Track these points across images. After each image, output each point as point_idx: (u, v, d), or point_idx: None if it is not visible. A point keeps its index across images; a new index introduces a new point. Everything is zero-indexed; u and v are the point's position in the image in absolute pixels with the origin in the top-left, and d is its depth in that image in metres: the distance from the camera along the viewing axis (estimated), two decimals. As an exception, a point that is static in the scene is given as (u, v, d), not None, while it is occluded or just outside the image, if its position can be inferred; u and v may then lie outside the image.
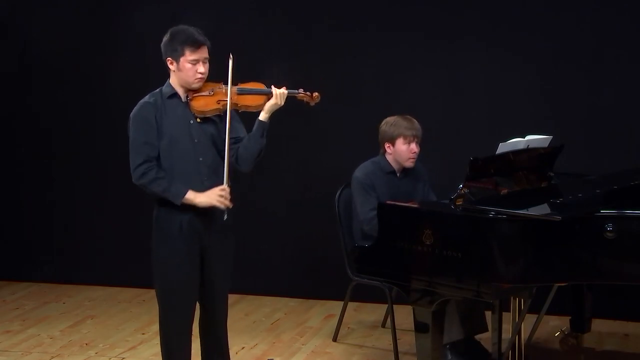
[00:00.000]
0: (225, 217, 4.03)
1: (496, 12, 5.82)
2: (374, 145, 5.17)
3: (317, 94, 4.25)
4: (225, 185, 4.02)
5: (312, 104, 4.27)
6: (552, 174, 4.85)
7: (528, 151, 4.66)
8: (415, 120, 5.02)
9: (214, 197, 4.00)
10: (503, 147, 4.51)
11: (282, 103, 4.12)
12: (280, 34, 6.18)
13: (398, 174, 5.06)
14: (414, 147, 4.97)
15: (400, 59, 6.03)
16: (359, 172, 5.05)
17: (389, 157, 5.05)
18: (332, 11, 6.12)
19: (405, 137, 4.96)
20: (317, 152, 6.20)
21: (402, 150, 4.98)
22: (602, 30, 5.64)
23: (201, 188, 4.04)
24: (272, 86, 4.13)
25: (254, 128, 4.14)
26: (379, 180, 5.00)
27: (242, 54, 4.16)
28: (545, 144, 4.77)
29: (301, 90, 4.24)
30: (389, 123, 5.03)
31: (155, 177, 4.01)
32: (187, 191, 4.00)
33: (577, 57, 5.70)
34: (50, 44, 6.63)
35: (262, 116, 4.11)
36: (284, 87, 4.13)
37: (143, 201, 6.19)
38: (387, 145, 5.02)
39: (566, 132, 5.32)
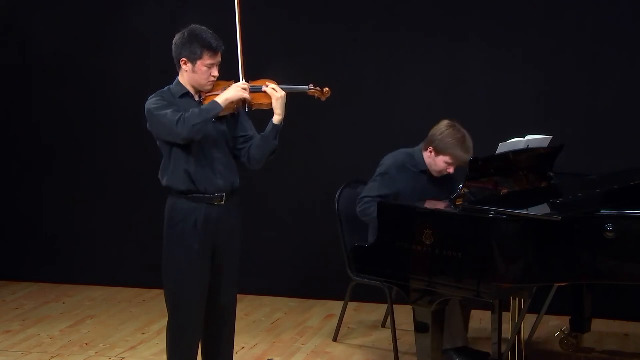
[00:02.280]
0: (247, 109, 4.08)
1: (496, 12, 5.82)
2: (375, 145, 5.17)
3: (327, 89, 4.25)
4: (243, 81, 4.06)
5: (323, 99, 4.27)
6: (552, 174, 4.85)
7: (528, 151, 4.66)
8: (471, 146, 4.73)
9: (239, 89, 4.02)
10: (503, 147, 4.50)
11: (282, 93, 4.09)
12: (280, 33, 6.18)
13: (428, 174, 4.87)
14: (452, 169, 4.79)
15: (400, 58, 6.03)
16: (388, 160, 4.89)
17: (425, 156, 4.84)
18: (332, 11, 6.12)
19: (453, 158, 4.74)
20: (317, 153, 6.20)
21: (440, 165, 4.79)
22: (602, 30, 5.64)
23: (216, 186, 4.06)
24: (263, 87, 4.12)
25: (267, 130, 4.14)
26: (405, 175, 4.84)
27: (242, 53, 4.16)
28: (545, 144, 4.77)
29: (311, 86, 4.24)
30: (449, 135, 4.73)
31: (188, 115, 3.94)
32: (215, 100, 4.01)
33: (577, 57, 5.70)
34: (50, 44, 6.63)
35: (276, 119, 4.11)
36: (267, 82, 4.14)
37: (143, 201, 6.25)
38: (431, 149, 4.79)
39: (566, 132, 5.32)
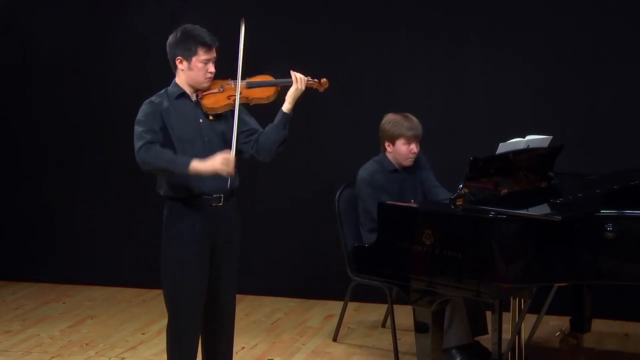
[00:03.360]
0: (229, 185, 3.99)
1: (496, 12, 5.82)
2: (374, 145, 5.17)
3: (325, 79, 4.23)
4: (232, 153, 3.93)
5: (321, 90, 4.26)
6: (552, 174, 4.85)
7: (528, 151, 4.66)
8: (415, 119, 5.01)
9: (217, 163, 3.89)
10: (503, 147, 4.51)
11: (303, 87, 4.10)
12: (280, 33, 6.18)
13: (400, 171, 5.05)
14: (413, 147, 4.97)
15: (400, 59, 6.03)
16: (364, 173, 5.03)
17: (389, 155, 5.04)
18: (332, 11, 6.12)
19: (405, 138, 4.96)
20: (317, 152, 6.20)
21: (402, 151, 4.98)
22: (602, 30, 5.64)
23: (214, 187, 4.03)
24: (291, 72, 4.10)
25: (277, 119, 4.10)
26: (384, 179, 4.98)
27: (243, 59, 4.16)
28: (545, 144, 4.77)
29: (309, 78, 4.23)
30: (390, 122, 5.01)
31: (158, 150, 3.91)
32: (192, 160, 3.90)
33: (577, 57, 5.70)
34: (50, 44, 6.63)
35: (285, 107, 4.09)
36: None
37: (143, 201, 6.24)
38: (387, 144, 5.02)
39: (566, 132, 5.32)
